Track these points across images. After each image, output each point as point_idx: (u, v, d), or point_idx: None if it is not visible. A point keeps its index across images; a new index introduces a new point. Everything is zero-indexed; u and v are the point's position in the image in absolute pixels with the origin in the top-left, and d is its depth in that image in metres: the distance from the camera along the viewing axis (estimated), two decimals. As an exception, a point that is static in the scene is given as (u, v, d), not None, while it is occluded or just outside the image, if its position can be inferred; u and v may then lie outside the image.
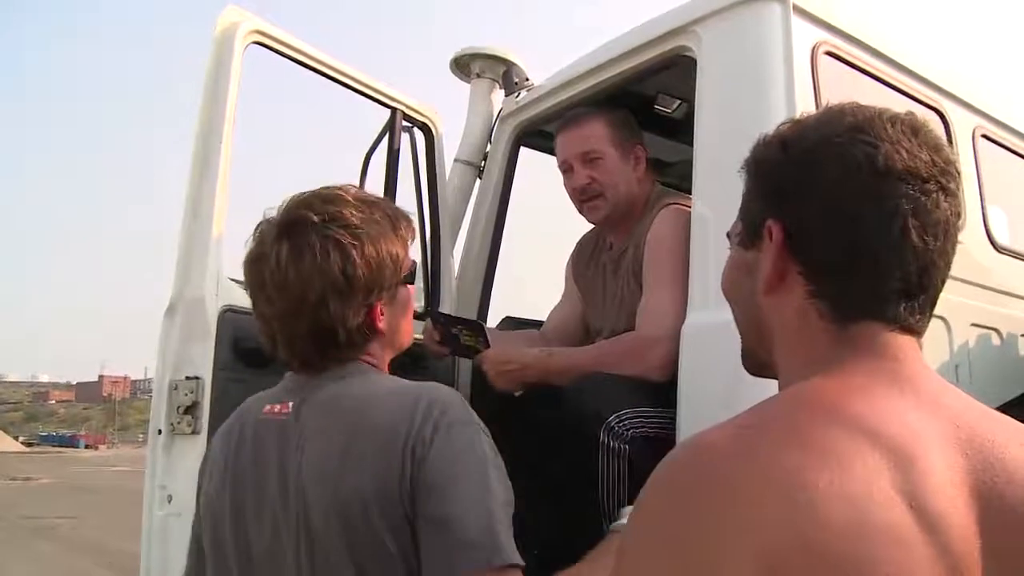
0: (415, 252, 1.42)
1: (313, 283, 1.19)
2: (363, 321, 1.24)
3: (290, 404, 1.24)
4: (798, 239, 0.81)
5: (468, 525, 1.08)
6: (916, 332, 0.80)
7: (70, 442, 75.63)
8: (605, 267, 2.28)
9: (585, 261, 2.40)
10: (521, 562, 1.09)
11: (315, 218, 1.22)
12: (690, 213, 1.95)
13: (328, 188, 1.31)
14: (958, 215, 0.79)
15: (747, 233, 0.87)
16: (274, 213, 1.27)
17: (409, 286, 1.35)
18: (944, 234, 0.78)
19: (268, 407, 1.27)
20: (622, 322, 2.09)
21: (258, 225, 1.28)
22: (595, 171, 2.15)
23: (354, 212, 1.25)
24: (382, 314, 1.27)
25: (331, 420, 1.20)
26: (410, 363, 2.05)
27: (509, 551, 1.08)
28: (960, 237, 0.81)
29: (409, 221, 1.35)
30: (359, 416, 1.18)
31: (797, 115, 0.90)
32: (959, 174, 0.80)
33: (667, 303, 1.92)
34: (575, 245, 2.48)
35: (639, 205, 2.19)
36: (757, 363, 0.90)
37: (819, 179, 0.80)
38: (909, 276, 0.77)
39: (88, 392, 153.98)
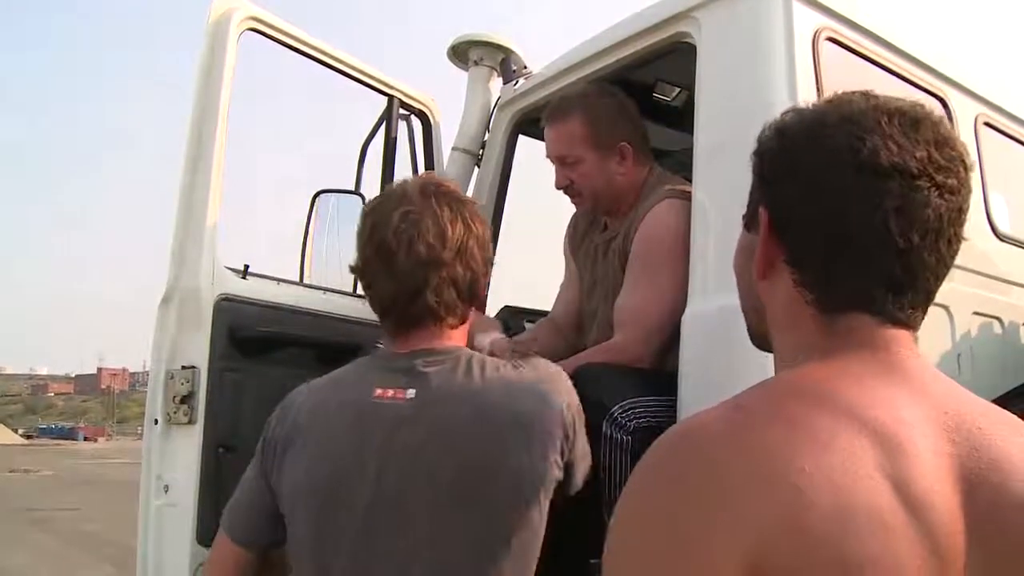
0: None
1: (467, 238, 1.38)
2: (487, 282, 1.48)
3: (409, 391, 1.31)
4: (781, 226, 0.81)
5: None
6: (908, 325, 0.79)
7: (69, 434, 75.60)
8: (597, 249, 2.25)
9: (580, 238, 2.37)
10: None
11: (454, 188, 1.46)
12: (685, 204, 1.93)
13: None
14: (959, 211, 0.77)
15: (749, 216, 0.88)
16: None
17: None
18: (936, 232, 0.76)
19: (379, 391, 1.33)
20: (610, 308, 2.08)
21: (377, 199, 1.47)
22: (573, 173, 2.14)
23: None
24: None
25: (475, 409, 1.30)
26: None
27: None
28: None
29: None
30: (508, 410, 1.30)
31: (798, 102, 0.89)
32: (966, 170, 0.78)
33: (643, 306, 1.93)
34: (570, 219, 2.44)
35: (632, 192, 2.15)
36: (763, 342, 0.90)
37: (800, 167, 0.79)
38: (892, 272, 0.76)
39: (87, 384, 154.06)
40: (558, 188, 2.19)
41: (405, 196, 1.39)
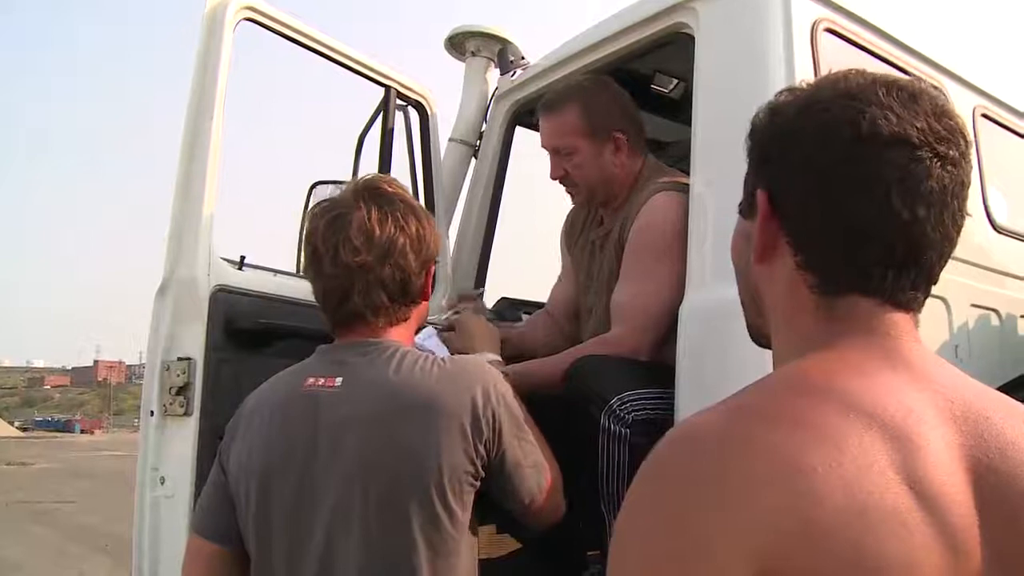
0: None
1: (397, 238, 1.40)
2: (423, 281, 1.47)
3: (337, 380, 1.36)
4: (782, 207, 0.79)
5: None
6: (909, 308, 0.77)
7: (66, 427, 75.44)
8: (594, 244, 2.25)
9: (577, 234, 2.37)
10: None
11: (390, 189, 1.46)
12: (682, 196, 1.93)
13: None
14: (962, 184, 0.75)
15: (745, 202, 0.86)
16: (331, 191, 1.51)
17: None
18: (941, 204, 0.74)
19: (311, 380, 1.38)
20: (607, 303, 2.07)
21: (319, 203, 1.48)
22: (568, 164, 2.13)
23: (411, 196, 1.51)
24: (431, 280, 1.50)
25: (387, 396, 1.33)
26: None
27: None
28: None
29: None
30: (417, 395, 1.32)
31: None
32: (966, 143, 0.76)
33: (640, 298, 1.93)
34: (567, 215, 2.44)
35: (627, 183, 2.15)
36: (761, 335, 0.88)
37: (798, 144, 0.77)
38: (894, 247, 0.74)
39: (83, 377, 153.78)
40: (553, 179, 2.18)
41: (338, 200, 1.43)
